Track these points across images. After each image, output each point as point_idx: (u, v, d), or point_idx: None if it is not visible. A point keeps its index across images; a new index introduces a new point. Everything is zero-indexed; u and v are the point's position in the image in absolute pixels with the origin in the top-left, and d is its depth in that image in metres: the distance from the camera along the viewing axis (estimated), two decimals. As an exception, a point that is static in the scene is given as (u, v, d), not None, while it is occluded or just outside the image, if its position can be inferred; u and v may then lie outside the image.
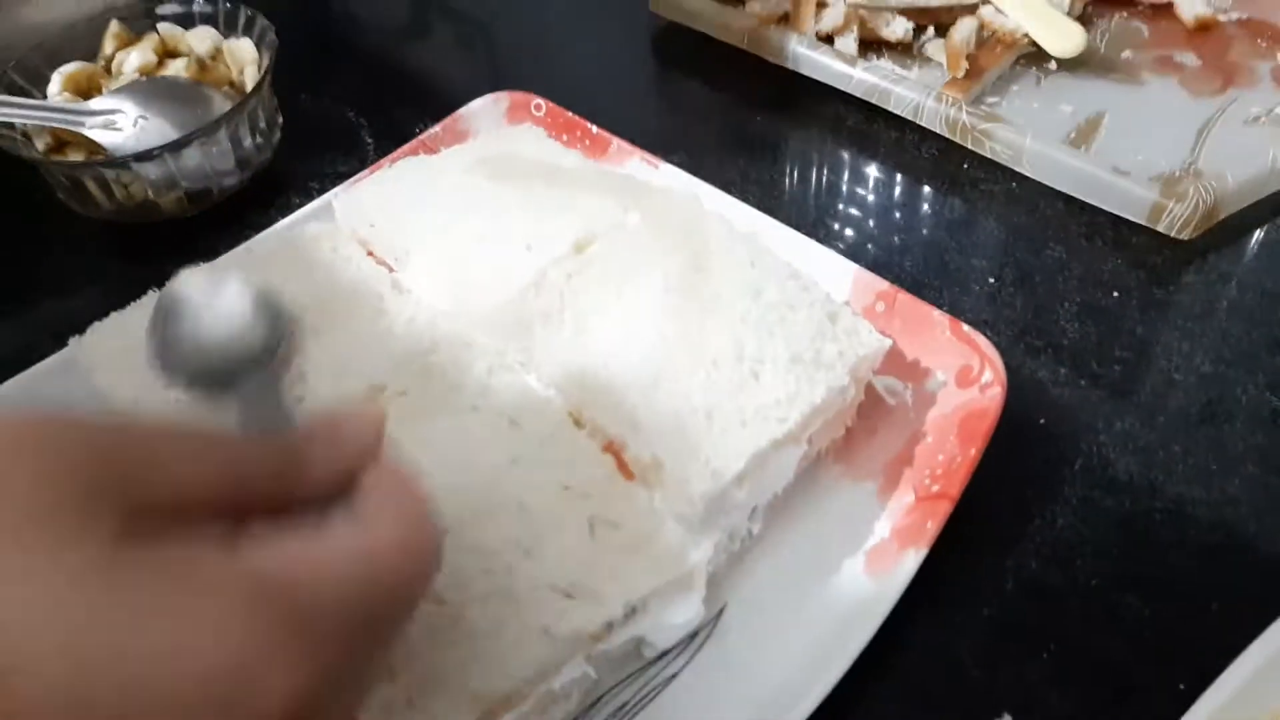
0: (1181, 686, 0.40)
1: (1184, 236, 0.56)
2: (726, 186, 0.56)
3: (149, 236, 0.62)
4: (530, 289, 0.47)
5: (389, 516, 0.28)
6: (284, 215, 0.57)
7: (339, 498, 0.29)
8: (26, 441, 0.23)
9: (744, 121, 0.68)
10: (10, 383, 0.47)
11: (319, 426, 0.30)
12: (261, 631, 0.23)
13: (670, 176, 0.57)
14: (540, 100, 0.62)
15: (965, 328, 0.48)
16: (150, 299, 0.47)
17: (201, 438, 0.26)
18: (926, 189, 0.62)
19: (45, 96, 0.62)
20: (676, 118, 0.72)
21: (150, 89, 0.61)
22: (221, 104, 0.61)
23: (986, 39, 0.67)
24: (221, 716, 0.22)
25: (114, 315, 0.46)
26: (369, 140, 0.68)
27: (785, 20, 0.70)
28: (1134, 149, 0.62)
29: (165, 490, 0.24)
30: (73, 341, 0.46)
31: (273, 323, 0.33)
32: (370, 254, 0.51)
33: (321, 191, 0.58)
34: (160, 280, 0.48)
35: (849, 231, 0.60)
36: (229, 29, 0.65)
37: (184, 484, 0.25)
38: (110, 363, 0.44)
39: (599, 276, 0.47)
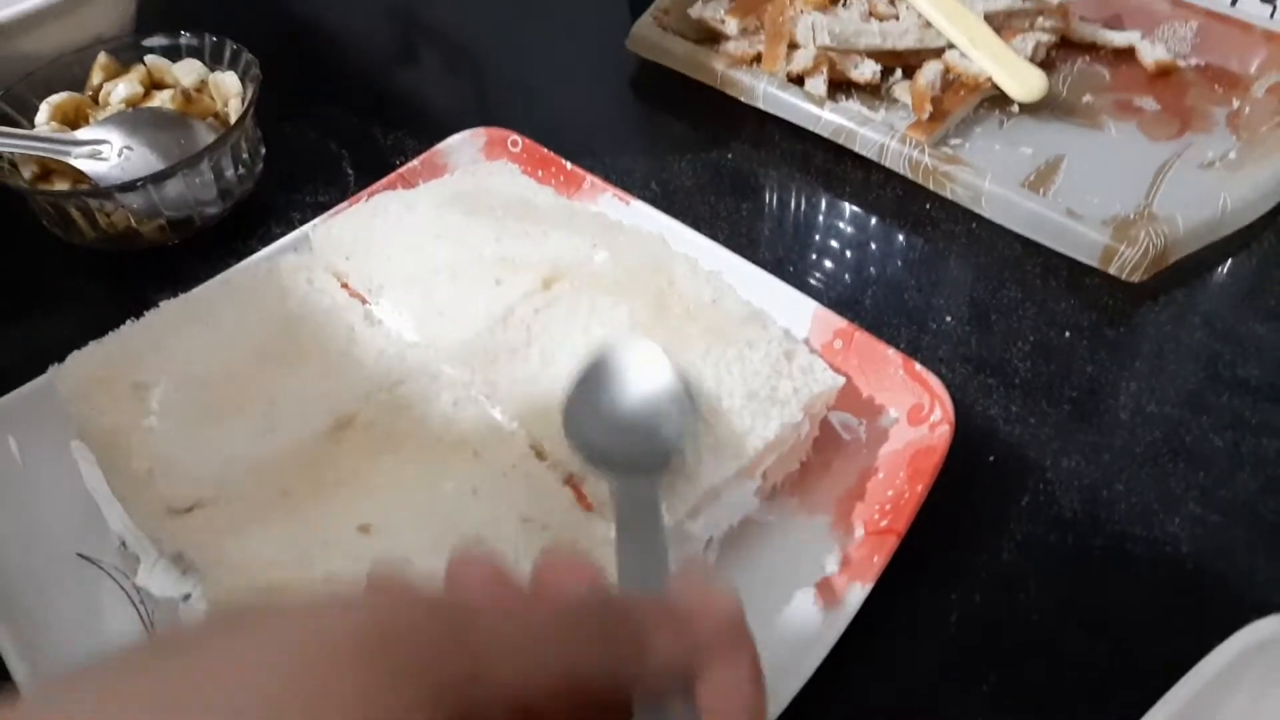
0: None
1: (1135, 279, 0.58)
2: (697, 223, 0.58)
3: (131, 263, 0.63)
4: (498, 323, 0.48)
5: None
6: (265, 244, 0.58)
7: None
8: (373, 639, 0.21)
9: (716, 159, 0.70)
10: (-13, 406, 0.49)
11: (677, 593, 0.27)
12: None
13: (640, 213, 0.59)
14: (516, 136, 0.64)
15: (917, 366, 0.49)
16: (129, 329, 0.49)
17: (542, 622, 0.24)
18: (889, 228, 0.64)
19: (33, 126, 0.63)
20: (652, 153, 0.73)
21: (136, 119, 0.63)
22: (206, 135, 0.63)
23: (951, 82, 0.69)
24: None
25: (93, 344, 0.48)
26: (350, 171, 0.69)
27: (758, 61, 0.72)
28: (1091, 191, 0.64)
29: (503, 691, 0.22)
30: (52, 369, 0.47)
31: (685, 417, 0.35)
32: (345, 286, 0.52)
33: (303, 221, 0.60)
34: (142, 308, 0.50)
35: (814, 268, 0.62)
36: (214, 62, 0.67)
37: (519, 685, 0.22)
38: (88, 392, 0.46)
39: (565, 312, 0.49)
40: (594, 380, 0.38)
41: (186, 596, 0.42)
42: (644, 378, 0.38)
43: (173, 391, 0.46)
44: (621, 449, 0.35)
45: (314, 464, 0.43)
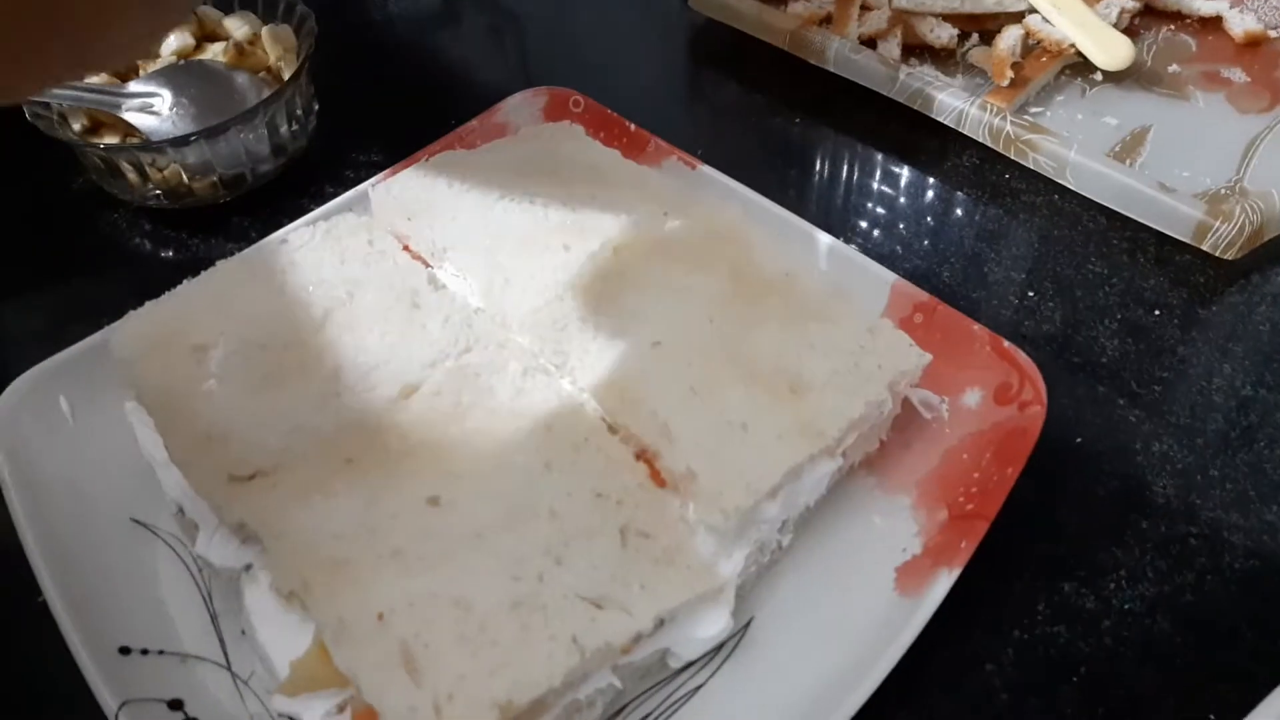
0: (1210, 717, 0.40)
1: (1228, 256, 0.55)
2: (763, 189, 0.55)
3: (182, 221, 0.61)
4: (567, 291, 0.46)
5: None
6: (318, 203, 0.57)
7: None
8: None
9: (782, 124, 0.67)
10: (42, 365, 0.47)
11: None
12: None
13: (708, 177, 0.56)
14: (579, 96, 0.61)
15: (1006, 344, 0.47)
16: (186, 289, 0.47)
17: None
18: (967, 199, 0.62)
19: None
20: (711, 117, 0.71)
21: (187, 73, 0.61)
22: (257, 90, 0.61)
23: (1032, 48, 0.66)
24: None
25: (150, 304, 0.46)
26: (404, 130, 0.67)
27: (827, 22, 0.69)
28: (1179, 165, 0.61)
29: None
30: (107, 328, 0.46)
31: None
32: (406, 248, 0.50)
33: (356, 180, 0.58)
34: (194, 266, 0.49)
35: (887, 239, 0.60)
36: (268, 14, 0.65)
37: None
38: (146, 353, 0.44)
39: (637, 281, 0.47)
40: None
41: (248, 566, 0.40)
42: None
43: (233, 354, 0.44)
44: None
45: (379, 433, 0.42)
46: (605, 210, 0.50)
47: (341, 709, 0.37)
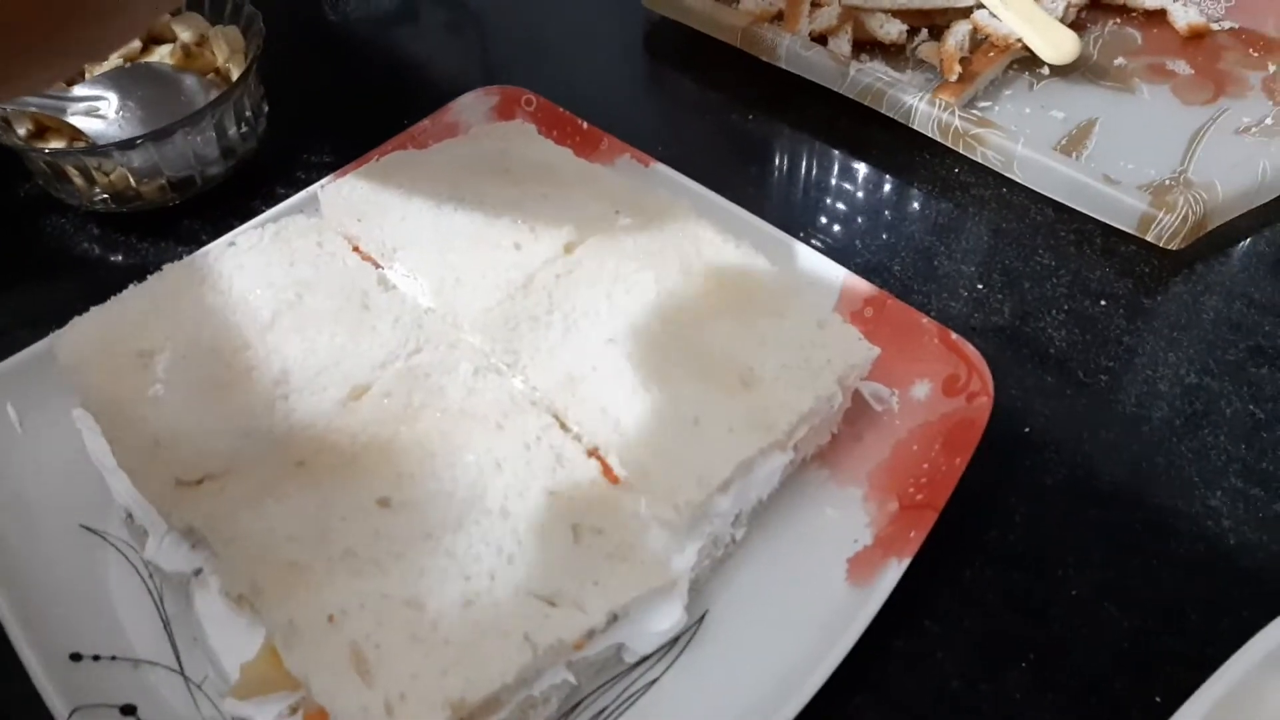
0: (1158, 699, 0.41)
1: (1173, 247, 0.56)
2: (717, 186, 0.56)
3: (130, 224, 0.61)
4: (518, 290, 0.47)
5: None
6: (269, 205, 0.56)
7: None
8: None
9: (735, 120, 0.68)
10: (-14, 373, 0.47)
11: None
12: None
13: (661, 175, 0.57)
14: (531, 95, 0.61)
15: (954, 336, 0.48)
16: (132, 294, 0.47)
17: None
18: (917, 192, 0.62)
19: (28, 80, 0.61)
20: (667, 115, 0.71)
21: (134, 75, 0.60)
22: (206, 92, 0.60)
23: (980, 43, 0.67)
24: None
25: (95, 310, 0.46)
26: (357, 130, 0.67)
27: (779, 19, 0.70)
28: (1124, 156, 0.62)
29: None
30: (53, 334, 0.45)
31: None
32: (356, 249, 0.50)
33: (307, 181, 0.58)
34: (143, 270, 0.48)
35: (839, 233, 0.60)
36: (215, 15, 0.64)
37: None
38: (91, 359, 0.44)
39: (588, 279, 0.47)
40: None
41: (198, 571, 0.40)
42: None
43: (179, 359, 0.44)
44: None
45: (329, 435, 0.41)
46: (557, 209, 0.50)
47: (294, 711, 0.37)
